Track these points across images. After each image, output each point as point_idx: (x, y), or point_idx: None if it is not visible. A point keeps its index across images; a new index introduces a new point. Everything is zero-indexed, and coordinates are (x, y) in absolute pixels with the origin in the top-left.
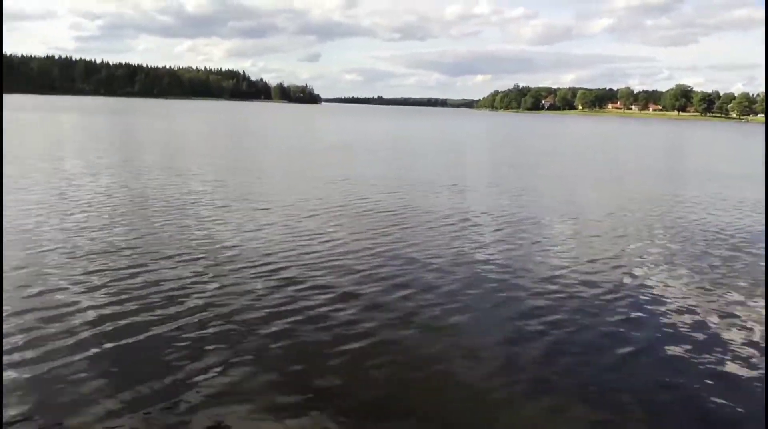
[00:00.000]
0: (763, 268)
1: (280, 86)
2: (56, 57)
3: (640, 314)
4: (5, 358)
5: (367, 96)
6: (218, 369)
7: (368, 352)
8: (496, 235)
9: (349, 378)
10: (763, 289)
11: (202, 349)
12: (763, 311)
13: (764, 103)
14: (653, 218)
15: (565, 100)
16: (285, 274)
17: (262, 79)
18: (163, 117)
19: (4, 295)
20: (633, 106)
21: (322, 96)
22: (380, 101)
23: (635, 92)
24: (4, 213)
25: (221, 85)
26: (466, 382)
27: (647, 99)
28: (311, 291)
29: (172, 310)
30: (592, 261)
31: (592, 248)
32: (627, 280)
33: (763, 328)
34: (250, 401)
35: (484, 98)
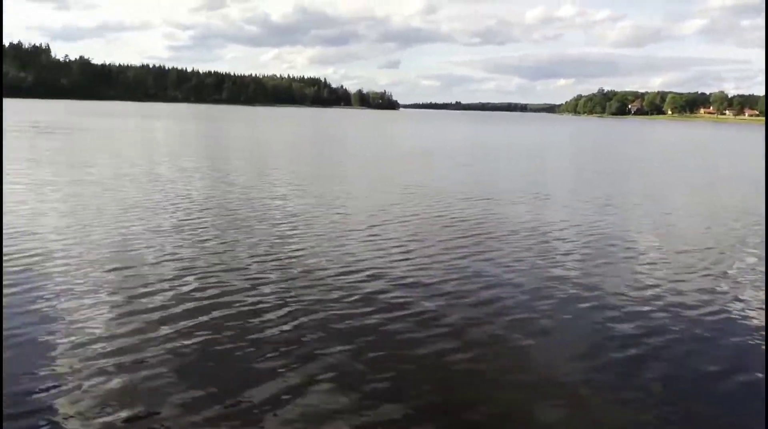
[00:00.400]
0: None
1: (360, 93)
2: (150, 66)
3: (733, 335)
4: (107, 361)
5: (445, 101)
6: (303, 383)
7: (452, 364)
8: (581, 246)
9: (437, 394)
10: None
11: (284, 361)
12: None
13: None
14: (749, 230)
15: (653, 105)
16: (365, 284)
17: (342, 86)
18: (250, 123)
19: (100, 296)
20: (727, 111)
21: (400, 102)
22: (458, 106)
23: (729, 96)
24: (102, 215)
25: (303, 92)
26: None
27: (742, 103)
28: (391, 301)
29: (254, 317)
30: (682, 274)
31: (683, 261)
32: (719, 296)
33: None
34: (334, 418)
35: (566, 103)
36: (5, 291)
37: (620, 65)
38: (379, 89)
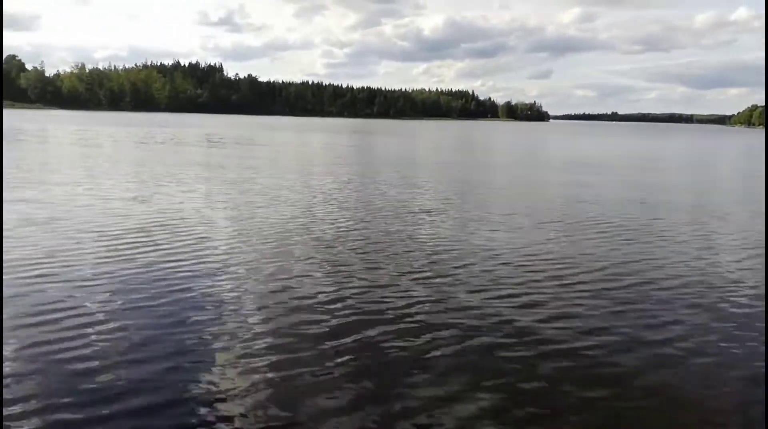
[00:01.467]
0: None
1: (507, 104)
2: (310, 82)
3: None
4: (263, 369)
5: (600, 112)
6: (448, 395)
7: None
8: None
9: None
10: None
11: (431, 370)
12: None
13: None
14: None
15: None
16: (519, 297)
17: (490, 98)
18: (408, 136)
19: (260, 303)
20: None
21: (551, 113)
22: (614, 117)
23: None
24: (264, 224)
25: (451, 104)
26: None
27: None
28: (545, 314)
29: (401, 325)
30: None
31: None
32: None
33: None
34: None
35: (738, 113)
36: (168, 295)
37: None
38: (528, 100)
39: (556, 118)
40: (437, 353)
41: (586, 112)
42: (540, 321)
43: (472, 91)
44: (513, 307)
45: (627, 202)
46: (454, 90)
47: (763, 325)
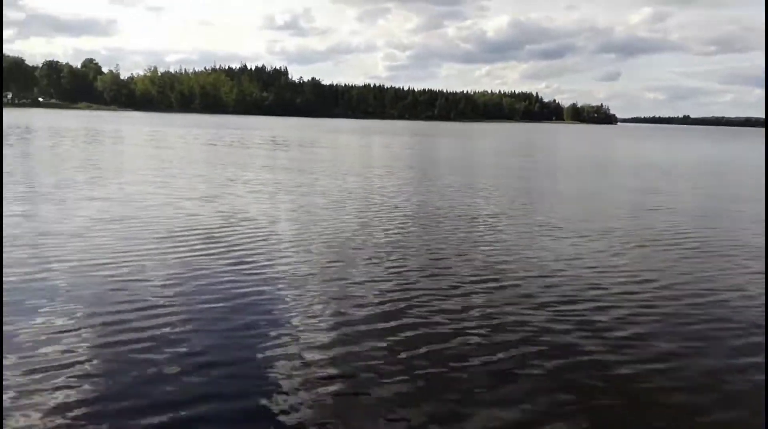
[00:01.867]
0: None
1: (573, 106)
2: (371, 85)
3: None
4: (320, 370)
5: (670, 115)
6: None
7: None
8: None
9: None
10: None
11: (498, 386)
12: None
13: None
14: None
15: None
16: (584, 314)
17: (554, 100)
18: (469, 138)
19: (322, 305)
20: None
21: (619, 116)
22: (686, 121)
23: None
24: (324, 225)
25: (514, 106)
26: None
27: None
28: (611, 337)
29: (463, 336)
30: None
31: None
32: None
33: None
34: None
35: None
36: (241, 297)
37: None
38: (595, 103)
39: (624, 121)
40: (502, 367)
41: (656, 116)
42: (606, 341)
43: (536, 93)
44: (578, 323)
45: (700, 211)
46: (517, 92)
47: None
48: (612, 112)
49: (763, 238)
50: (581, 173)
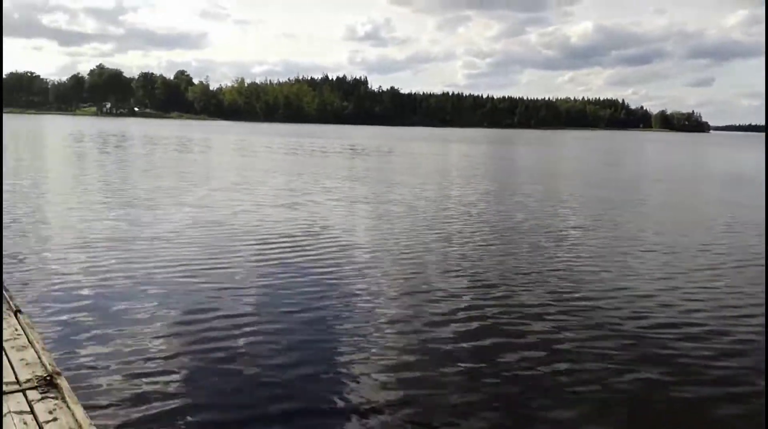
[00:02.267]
0: None
1: (662, 114)
2: (450, 93)
3: None
4: (392, 376)
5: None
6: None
7: None
8: None
9: None
10: None
11: (572, 404)
12: None
13: None
14: None
15: None
16: (671, 329)
17: (642, 107)
18: (550, 146)
19: (396, 309)
20: None
21: (712, 123)
22: None
23: None
24: (402, 234)
25: (598, 114)
26: None
27: None
28: (705, 349)
29: (539, 350)
30: None
31: None
32: None
33: None
34: None
35: None
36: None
37: None
38: (685, 110)
39: (716, 128)
40: (580, 388)
41: (752, 124)
42: (698, 356)
43: (623, 100)
44: (663, 339)
45: None
46: (601, 98)
47: None
48: (704, 119)
49: None
50: (669, 183)
